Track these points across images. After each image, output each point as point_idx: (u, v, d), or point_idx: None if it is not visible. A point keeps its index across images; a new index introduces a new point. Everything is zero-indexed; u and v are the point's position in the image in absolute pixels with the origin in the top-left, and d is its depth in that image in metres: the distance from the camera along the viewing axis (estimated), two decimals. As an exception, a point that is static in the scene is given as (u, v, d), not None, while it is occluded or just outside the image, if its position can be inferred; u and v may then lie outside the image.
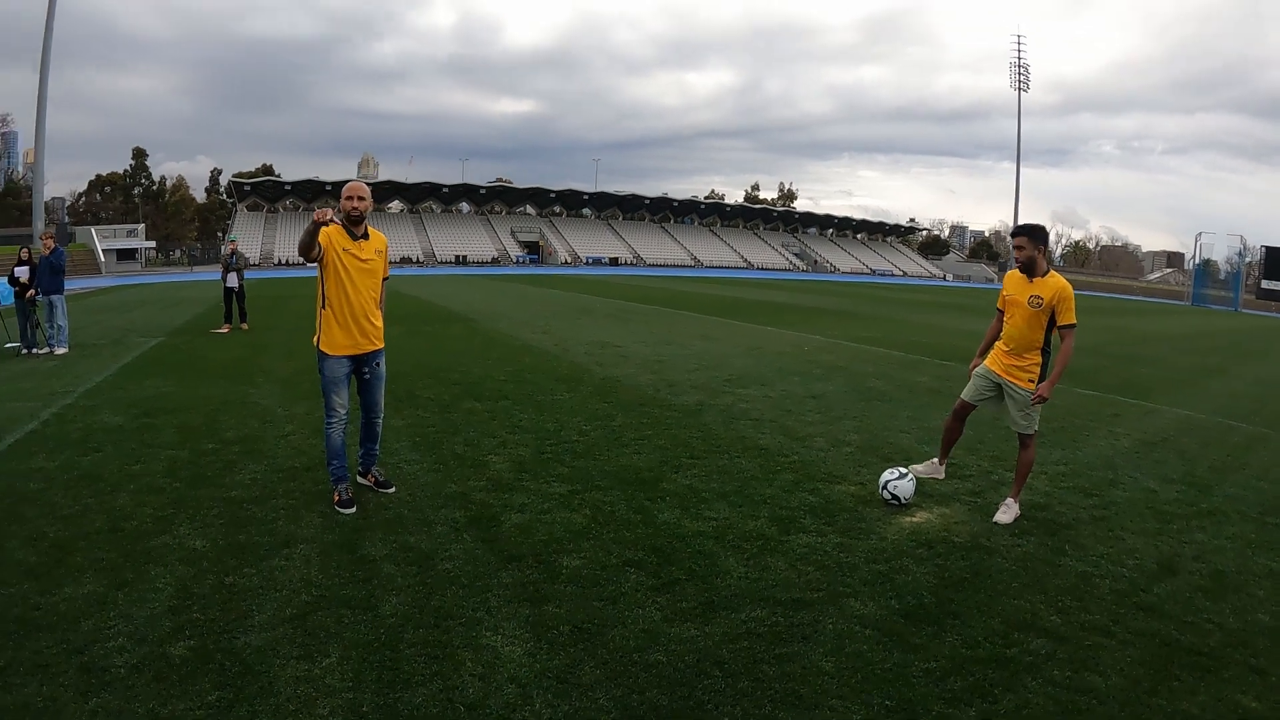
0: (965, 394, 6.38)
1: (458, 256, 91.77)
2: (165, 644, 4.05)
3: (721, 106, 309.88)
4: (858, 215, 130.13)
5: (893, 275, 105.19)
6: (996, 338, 6.30)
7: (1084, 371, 14.45)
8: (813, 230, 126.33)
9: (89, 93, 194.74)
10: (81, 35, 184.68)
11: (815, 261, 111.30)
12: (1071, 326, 5.83)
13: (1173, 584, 4.99)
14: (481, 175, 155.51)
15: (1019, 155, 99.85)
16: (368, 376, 6.26)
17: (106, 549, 5.27)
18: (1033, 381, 5.98)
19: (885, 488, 6.19)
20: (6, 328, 16.53)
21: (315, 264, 5.96)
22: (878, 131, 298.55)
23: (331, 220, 5.77)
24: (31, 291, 15.20)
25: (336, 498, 6.11)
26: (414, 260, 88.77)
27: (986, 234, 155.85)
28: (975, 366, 6.39)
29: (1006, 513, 5.99)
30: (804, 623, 4.29)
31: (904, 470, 6.29)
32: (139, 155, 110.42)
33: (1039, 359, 5.99)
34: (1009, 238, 6.46)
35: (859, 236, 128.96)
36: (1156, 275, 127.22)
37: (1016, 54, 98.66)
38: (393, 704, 3.53)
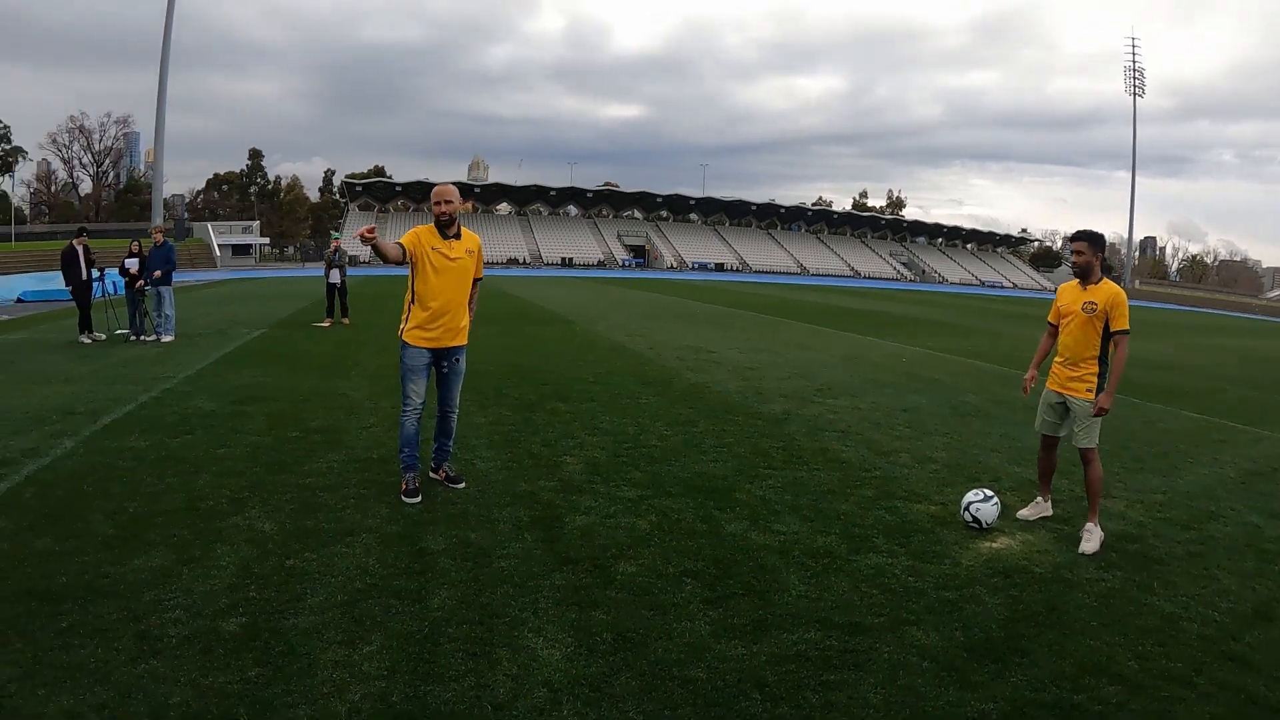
0: (1039, 427, 6.23)
1: (564, 259, 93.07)
2: (218, 619, 4.18)
3: (830, 111, 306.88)
4: (967, 225, 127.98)
5: (1002, 287, 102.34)
6: (1047, 353, 6.24)
7: (1193, 394, 13.74)
8: (921, 239, 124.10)
9: (209, 96, 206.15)
10: (203, 42, 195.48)
11: (923, 271, 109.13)
12: (1125, 332, 5.78)
13: (1267, 632, 4.53)
14: (589, 179, 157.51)
15: (1134, 164, 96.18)
16: (446, 371, 6.35)
17: (180, 526, 5.46)
18: (1091, 391, 5.84)
19: (967, 509, 5.91)
20: (117, 316, 17.31)
21: (407, 265, 6.13)
22: (989, 138, 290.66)
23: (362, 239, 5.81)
24: (141, 282, 15.92)
25: (404, 486, 6.23)
26: (520, 261, 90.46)
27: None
28: (1030, 377, 6.23)
29: (1090, 540, 5.68)
30: (858, 649, 4.06)
31: (989, 492, 5.99)
32: (255, 156, 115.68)
33: (1095, 368, 5.85)
34: (1069, 243, 6.27)
35: (968, 246, 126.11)
36: (1277, 293, 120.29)
37: (1131, 57, 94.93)
38: (422, 696, 3.52)
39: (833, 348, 17.64)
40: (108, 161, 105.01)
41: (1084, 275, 5.93)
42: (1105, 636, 4.33)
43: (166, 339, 15.63)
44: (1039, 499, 6.34)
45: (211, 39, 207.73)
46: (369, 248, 5.77)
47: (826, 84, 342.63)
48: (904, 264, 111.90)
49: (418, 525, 5.62)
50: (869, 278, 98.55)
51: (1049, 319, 6.23)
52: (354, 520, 5.68)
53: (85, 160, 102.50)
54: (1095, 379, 5.86)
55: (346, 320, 19.52)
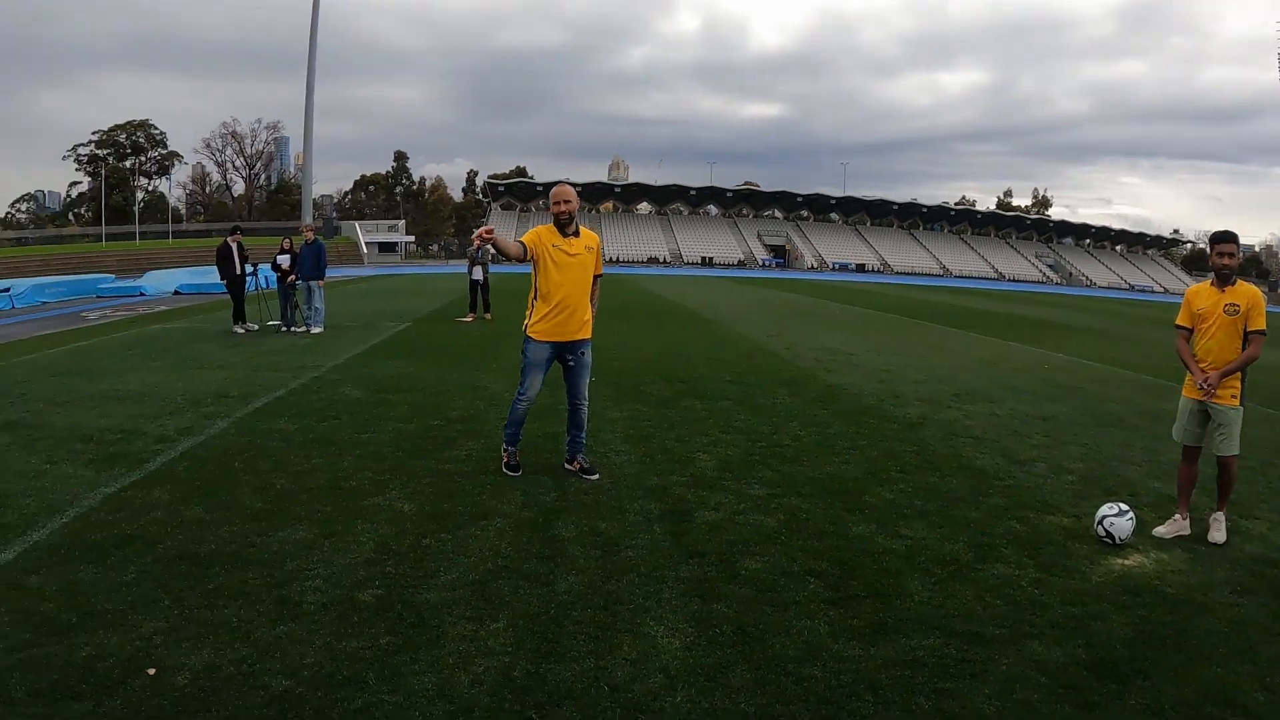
0: (1179, 435, 6.12)
1: (704, 258, 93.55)
2: (355, 590, 4.49)
3: (973, 107, 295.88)
4: (1116, 225, 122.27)
5: (1152, 292, 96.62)
6: (1192, 355, 6.04)
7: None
8: (1068, 240, 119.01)
9: (355, 102, 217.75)
10: (349, 52, 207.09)
11: (1070, 274, 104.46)
12: (1262, 333, 5.66)
13: None
14: (729, 178, 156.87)
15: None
16: (571, 364, 6.60)
17: (324, 503, 5.86)
18: (1235, 397, 5.74)
19: (1101, 523, 5.68)
20: (269, 308, 18.38)
21: (529, 262, 6.44)
22: (1138, 133, 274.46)
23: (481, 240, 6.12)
24: (292, 277, 16.92)
25: (505, 459, 6.70)
26: (660, 260, 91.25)
27: (1256, 248, 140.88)
28: (1204, 378, 5.89)
29: (1219, 529, 5.73)
30: (976, 659, 3.99)
31: (1124, 507, 5.76)
32: (400, 158, 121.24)
33: (1239, 372, 5.72)
34: (1215, 244, 6.03)
35: (1117, 248, 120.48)
36: None
37: None
38: (543, 674, 3.69)
39: (972, 352, 17.18)
40: (259, 164, 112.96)
41: (1226, 278, 5.78)
42: (1233, 665, 4.07)
43: (316, 330, 16.56)
44: (1177, 515, 6.05)
45: (355, 49, 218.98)
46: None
47: (968, 78, 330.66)
48: (1050, 266, 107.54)
49: (550, 513, 5.84)
50: (1013, 280, 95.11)
51: (1179, 323, 6.08)
52: (489, 505, 5.95)
53: (238, 163, 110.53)
54: (1239, 383, 5.72)
55: (489, 316, 20.15)
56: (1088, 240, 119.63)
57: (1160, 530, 5.98)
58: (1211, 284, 5.90)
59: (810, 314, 26.04)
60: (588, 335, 6.63)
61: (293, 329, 16.91)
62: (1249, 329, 5.66)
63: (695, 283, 48.44)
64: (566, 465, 6.86)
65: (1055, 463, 7.83)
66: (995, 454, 8.07)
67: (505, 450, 6.80)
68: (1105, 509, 5.76)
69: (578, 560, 5.01)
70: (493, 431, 8.03)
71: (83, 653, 3.76)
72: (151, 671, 3.61)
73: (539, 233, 6.42)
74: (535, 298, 6.49)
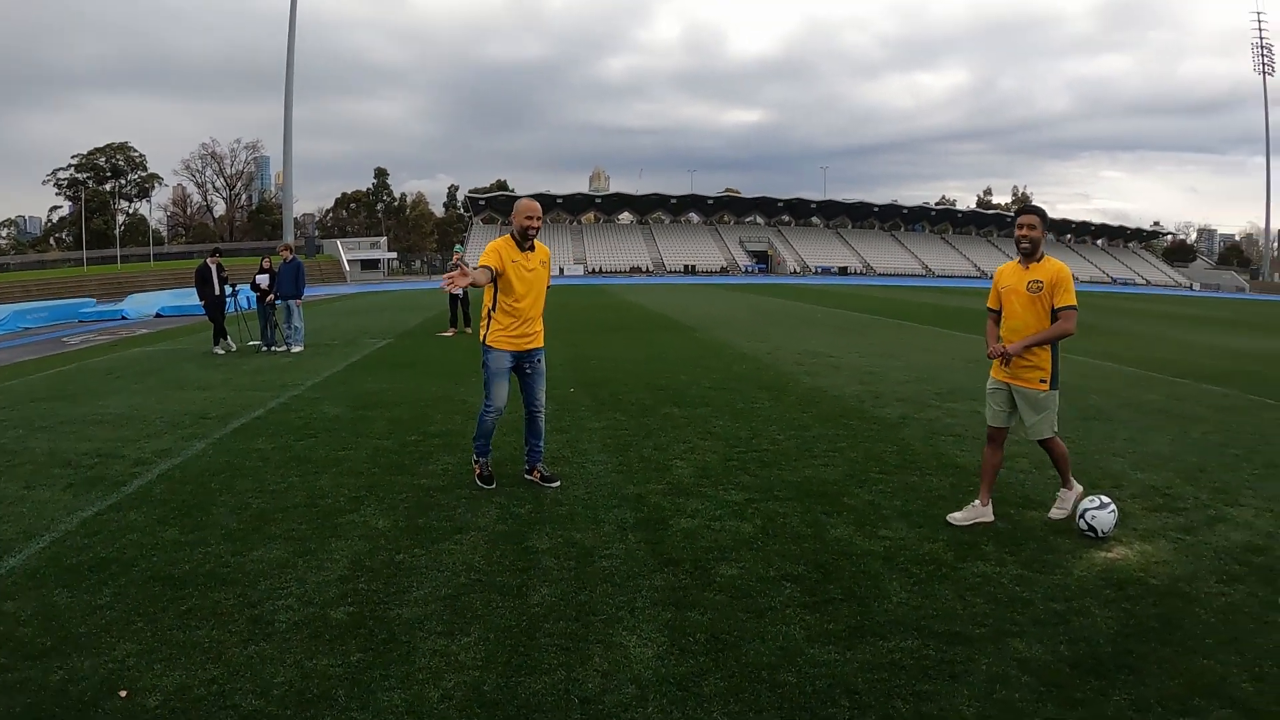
0: (989, 418, 6.16)
1: (686, 266, 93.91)
2: (328, 607, 4.46)
3: (956, 108, 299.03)
4: (1096, 219, 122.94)
5: (1135, 284, 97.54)
6: (998, 337, 6.01)
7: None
8: (1049, 236, 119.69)
9: (338, 119, 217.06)
10: (329, 68, 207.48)
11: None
12: (1071, 308, 5.62)
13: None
14: (711, 186, 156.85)
15: (1268, 148, 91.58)
16: (529, 371, 6.70)
17: (299, 521, 5.84)
18: (1044, 381, 5.74)
19: (1082, 517, 5.65)
20: (249, 328, 18.41)
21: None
22: (1120, 127, 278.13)
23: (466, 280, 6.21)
24: (271, 296, 16.94)
25: (477, 470, 6.77)
26: (643, 270, 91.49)
27: (1236, 237, 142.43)
28: (992, 350, 6.00)
29: (1060, 505, 6.03)
30: (956, 659, 3.93)
31: (1105, 499, 5.71)
32: (381, 174, 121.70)
33: (1048, 354, 5.71)
34: (1016, 217, 6.01)
35: (1098, 242, 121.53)
36: None
37: (1258, 34, 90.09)
38: (513, 687, 3.65)
39: (957, 351, 17.22)
40: (239, 185, 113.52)
41: (1030, 253, 5.76)
42: (1221, 655, 4.00)
43: (296, 349, 16.63)
44: (976, 502, 6.11)
45: (338, 65, 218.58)
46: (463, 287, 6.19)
47: (950, 79, 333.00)
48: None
49: (525, 525, 5.82)
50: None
51: (989, 305, 6.10)
52: (465, 519, 5.92)
53: (218, 184, 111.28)
54: (1048, 366, 5.76)
55: (469, 329, 20.22)
56: (1069, 235, 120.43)
57: (956, 516, 6.00)
58: (1018, 262, 5.88)
59: (793, 318, 26.08)
60: (542, 344, 6.77)
61: (273, 348, 16.93)
62: (1057, 306, 5.61)
63: (678, 291, 48.51)
64: (526, 475, 6.90)
65: (1037, 458, 7.74)
66: (977, 451, 7.99)
67: (476, 462, 6.83)
68: (1086, 502, 5.73)
69: (551, 571, 4.98)
70: (470, 445, 7.96)
71: (56, 676, 3.75)
72: (123, 694, 3.60)
73: (499, 250, 6.48)
74: (494, 309, 6.57)
